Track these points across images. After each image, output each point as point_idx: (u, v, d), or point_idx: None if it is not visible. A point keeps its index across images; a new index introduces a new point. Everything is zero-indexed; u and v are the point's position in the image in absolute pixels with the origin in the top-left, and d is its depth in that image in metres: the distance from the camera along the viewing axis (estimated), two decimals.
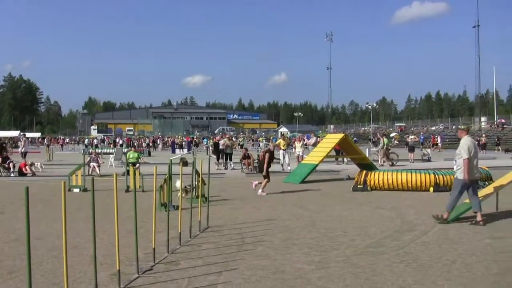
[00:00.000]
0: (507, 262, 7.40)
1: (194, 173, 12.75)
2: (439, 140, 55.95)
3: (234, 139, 48.29)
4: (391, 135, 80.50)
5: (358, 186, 17.18)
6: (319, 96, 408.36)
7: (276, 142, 27.53)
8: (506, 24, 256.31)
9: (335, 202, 14.61)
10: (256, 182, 16.99)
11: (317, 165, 20.69)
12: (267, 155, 16.81)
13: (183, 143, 59.26)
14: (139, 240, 6.94)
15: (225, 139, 30.68)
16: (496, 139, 56.23)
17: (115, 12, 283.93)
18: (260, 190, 16.44)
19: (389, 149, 32.20)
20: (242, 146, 45.82)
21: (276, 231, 9.97)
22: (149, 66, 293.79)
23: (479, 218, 10.60)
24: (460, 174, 10.72)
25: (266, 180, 16.63)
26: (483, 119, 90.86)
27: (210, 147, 34.56)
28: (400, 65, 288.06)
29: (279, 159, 26.51)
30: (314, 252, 8.13)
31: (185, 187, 14.08)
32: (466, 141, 10.83)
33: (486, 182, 17.06)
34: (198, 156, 32.15)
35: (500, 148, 51.98)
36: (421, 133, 67.04)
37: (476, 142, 47.59)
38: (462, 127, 11.57)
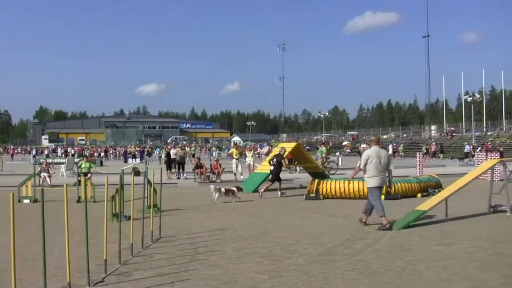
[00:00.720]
0: (456, 268, 7.56)
1: (146, 182, 12.66)
2: (390, 149, 56.90)
3: (186, 148, 48.11)
4: (343, 143, 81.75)
5: (311, 195, 17.33)
6: (271, 105, 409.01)
7: (229, 152, 27.57)
8: (454, 34, 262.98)
9: (288, 210, 14.70)
10: (279, 193, 18.47)
11: (269, 173, 20.75)
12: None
13: (136, 152, 58.87)
14: (91, 251, 6.84)
15: (178, 149, 30.57)
16: (439, 147, 58.16)
17: (65, 20, 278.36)
18: (278, 193, 18.41)
19: (328, 158, 34.11)
20: (194, 155, 45.71)
21: (229, 241, 9.97)
22: (101, 74, 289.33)
23: (364, 219, 11.51)
24: (368, 181, 11.32)
25: (279, 183, 18.84)
26: (433, 127, 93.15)
27: (163, 157, 34.31)
28: (352, 75, 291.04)
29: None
30: (267, 261, 8.15)
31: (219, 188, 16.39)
32: (367, 151, 11.58)
33: (436, 190, 17.45)
34: (150, 165, 31.91)
35: (441, 156, 53.85)
36: None
37: (425, 150, 48.83)
38: (372, 138, 12.12)
